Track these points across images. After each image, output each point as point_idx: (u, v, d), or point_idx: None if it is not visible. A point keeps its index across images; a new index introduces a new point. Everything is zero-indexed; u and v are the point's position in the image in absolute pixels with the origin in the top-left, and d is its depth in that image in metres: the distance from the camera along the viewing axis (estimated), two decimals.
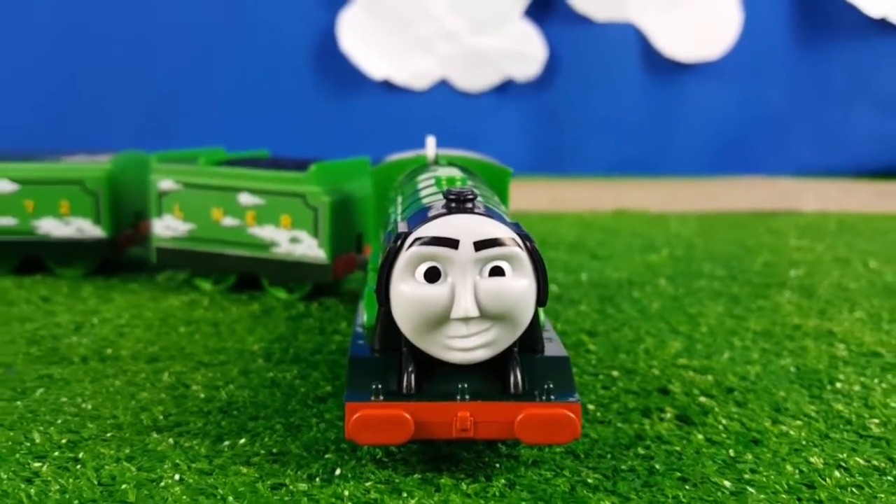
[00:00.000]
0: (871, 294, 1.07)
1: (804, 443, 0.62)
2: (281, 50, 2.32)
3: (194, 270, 1.03)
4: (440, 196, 0.57)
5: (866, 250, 1.34)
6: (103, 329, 0.87)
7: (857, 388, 0.73)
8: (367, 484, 0.54)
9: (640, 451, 0.60)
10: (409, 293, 0.52)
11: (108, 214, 1.05)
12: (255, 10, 2.29)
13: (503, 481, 0.55)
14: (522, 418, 0.53)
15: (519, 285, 0.52)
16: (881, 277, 1.16)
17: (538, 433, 0.53)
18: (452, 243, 0.51)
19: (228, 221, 0.98)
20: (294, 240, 0.95)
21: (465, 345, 0.53)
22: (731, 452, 0.60)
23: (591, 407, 0.68)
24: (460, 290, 0.51)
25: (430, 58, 2.34)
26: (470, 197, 0.54)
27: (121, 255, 1.13)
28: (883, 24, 2.34)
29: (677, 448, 0.60)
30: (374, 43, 2.31)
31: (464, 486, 0.54)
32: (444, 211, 0.53)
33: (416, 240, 0.52)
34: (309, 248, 0.95)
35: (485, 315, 0.52)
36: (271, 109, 2.33)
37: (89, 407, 0.67)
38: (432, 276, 0.52)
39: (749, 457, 0.59)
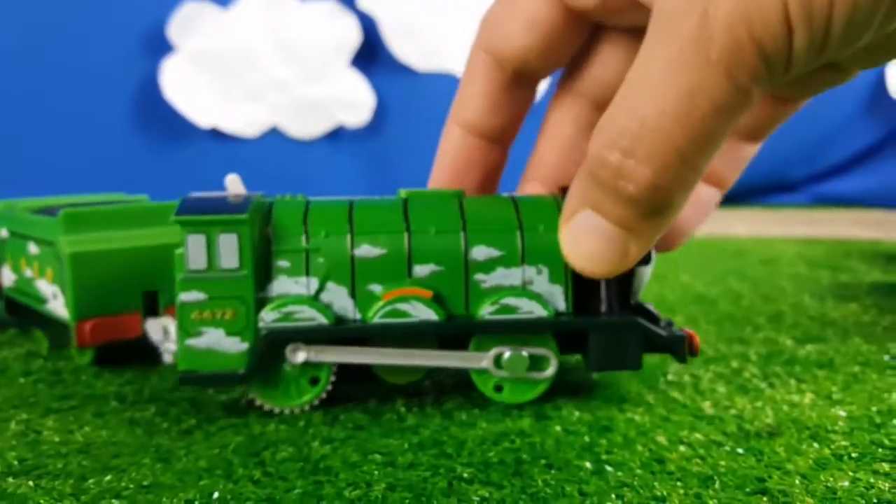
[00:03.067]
0: (687, 302, 1.18)
1: (649, 426, 0.68)
2: (102, 99, 2.23)
3: (19, 323, 0.98)
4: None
5: (679, 266, 1.48)
6: None
7: (686, 378, 0.82)
8: (248, 503, 0.55)
9: (507, 444, 0.64)
10: None
11: None
12: (75, 57, 2.20)
13: (383, 485, 0.57)
14: None
15: None
16: (693, 288, 1.28)
17: None
18: None
19: (27, 273, 0.91)
20: (55, 295, 0.86)
21: None
22: (587, 439, 0.65)
23: (456, 412, 0.71)
24: None
25: (259, 106, 2.34)
26: None
27: None
28: None
29: (538, 440, 0.65)
30: (200, 91, 2.28)
31: (346, 494, 0.56)
32: None
33: None
34: (62, 305, 0.84)
35: None
36: (95, 159, 2.23)
37: None
38: None
39: (603, 441, 0.65)
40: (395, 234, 0.71)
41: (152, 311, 0.85)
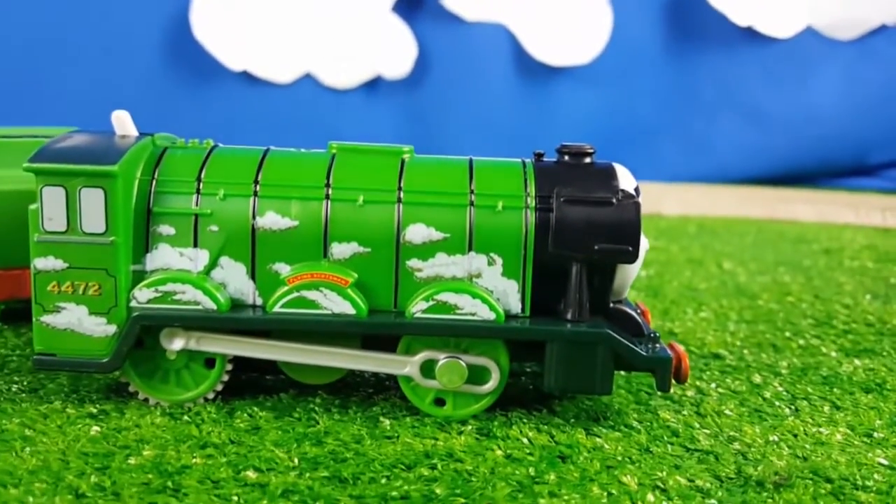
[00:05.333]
0: (720, 294, 1.01)
1: (619, 459, 0.53)
2: (131, 36, 2.14)
3: None
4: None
5: (722, 252, 1.30)
6: None
7: (690, 392, 0.66)
8: None
9: (423, 472, 0.49)
10: None
11: None
12: None
13: None
14: None
15: None
16: (733, 278, 1.10)
17: None
18: None
19: None
20: None
21: None
22: (531, 471, 0.50)
23: (383, 418, 0.57)
24: None
25: (293, 50, 2.21)
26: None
27: None
28: (750, 32, 2.36)
29: (468, 467, 0.50)
30: (231, 32, 2.16)
31: None
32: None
33: None
34: None
35: None
36: (121, 98, 2.13)
37: None
38: None
39: (551, 476, 0.50)
40: (311, 200, 0.56)
41: None
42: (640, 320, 0.58)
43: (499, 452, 0.52)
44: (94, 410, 0.56)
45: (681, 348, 0.58)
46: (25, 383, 0.60)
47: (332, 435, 0.54)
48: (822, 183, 2.31)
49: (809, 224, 1.65)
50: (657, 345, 0.57)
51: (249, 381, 0.62)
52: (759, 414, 0.62)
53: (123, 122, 0.58)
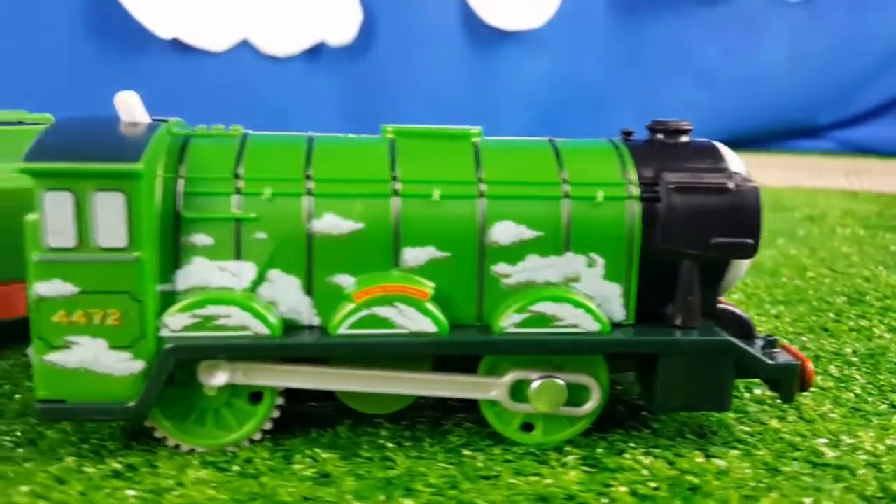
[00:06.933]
0: None
1: (752, 484, 0.46)
2: (47, 1, 1.93)
3: None
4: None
5: None
6: None
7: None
8: None
9: None
10: None
11: None
12: None
13: None
14: None
15: None
16: None
17: None
18: None
19: None
20: None
21: None
22: None
23: (467, 452, 0.48)
24: None
25: (228, 15, 2.04)
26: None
27: None
28: None
29: None
30: None
31: None
32: None
33: None
34: None
35: None
36: (37, 71, 1.94)
37: None
38: None
39: None
40: (378, 197, 0.46)
41: None
42: (749, 321, 0.51)
43: (622, 489, 0.45)
44: (119, 466, 0.45)
45: (795, 349, 0.52)
46: (19, 433, 0.49)
47: (419, 479, 0.45)
48: (776, 145, 2.32)
49: (783, 189, 1.62)
50: (776, 350, 0.50)
51: (291, 411, 0.52)
52: (862, 414, 0.57)
53: (131, 107, 0.47)
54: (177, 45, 2.04)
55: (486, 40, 2.27)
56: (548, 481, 0.45)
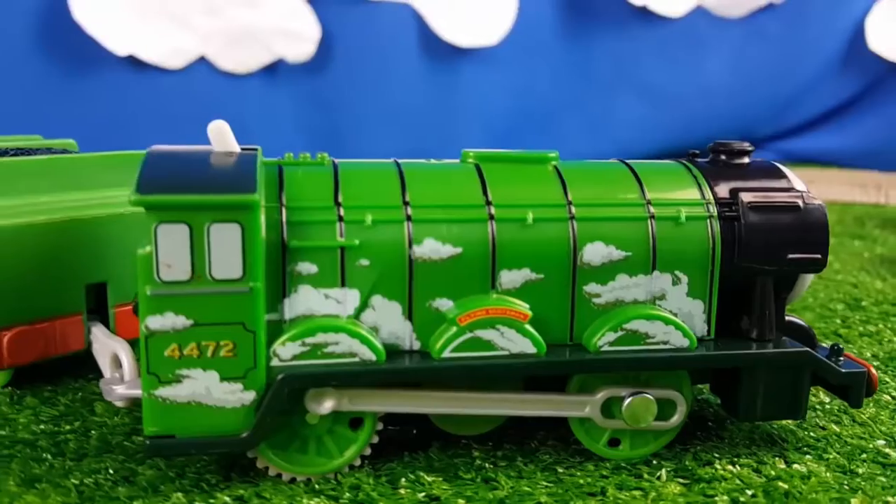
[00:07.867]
0: None
1: (837, 486, 0.48)
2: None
3: None
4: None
5: None
6: None
7: (821, 394, 0.62)
8: None
9: None
10: None
11: None
12: None
13: None
14: None
15: None
16: None
17: None
18: None
19: None
20: None
21: None
22: None
23: (562, 469, 0.49)
24: None
25: (185, 32, 2.01)
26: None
27: None
28: (643, 12, 2.40)
29: None
30: (115, 13, 1.93)
31: None
32: None
33: None
34: None
35: None
36: None
37: None
38: None
39: None
40: (474, 222, 0.47)
41: (99, 311, 0.59)
42: (811, 331, 0.54)
43: (725, 498, 0.46)
44: (228, 499, 0.44)
45: (853, 356, 0.55)
46: (112, 471, 0.47)
47: (528, 499, 0.46)
48: None
49: None
50: (842, 357, 0.53)
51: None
52: None
53: (224, 135, 0.46)
54: (133, 63, 1.99)
55: (443, 57, 2.29)
56: (653, 495, 0.47)
